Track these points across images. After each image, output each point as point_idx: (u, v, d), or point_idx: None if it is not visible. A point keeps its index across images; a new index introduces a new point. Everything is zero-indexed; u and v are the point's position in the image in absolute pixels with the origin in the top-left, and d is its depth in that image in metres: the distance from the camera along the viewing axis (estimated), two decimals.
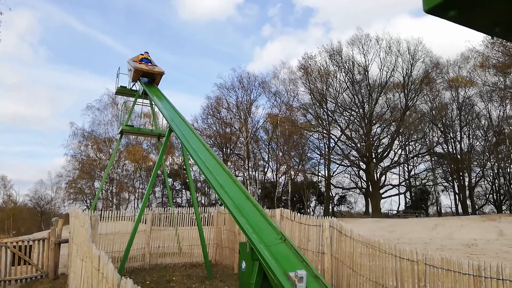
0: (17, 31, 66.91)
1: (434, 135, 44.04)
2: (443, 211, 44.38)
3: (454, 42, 55.53)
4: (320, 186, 47.80)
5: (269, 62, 79.46)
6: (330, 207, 45.36)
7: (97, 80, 74.77)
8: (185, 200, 50.31)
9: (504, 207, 39.97)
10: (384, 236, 16.60)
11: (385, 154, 42.69)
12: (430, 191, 45.48)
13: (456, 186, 42.51)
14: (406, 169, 45.88)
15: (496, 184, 40.83)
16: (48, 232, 10.78)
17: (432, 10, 0.68)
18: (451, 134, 42.31)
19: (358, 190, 47.14)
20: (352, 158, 43.89)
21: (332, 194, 46.88)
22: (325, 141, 45.04)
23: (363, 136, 42.06)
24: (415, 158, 44.79)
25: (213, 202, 45.60)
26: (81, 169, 44.54)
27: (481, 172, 41.42)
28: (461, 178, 41.40)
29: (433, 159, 44.08)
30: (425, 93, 41.47)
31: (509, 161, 38.51)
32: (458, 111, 41.20)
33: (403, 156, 44.57)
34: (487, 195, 42.70)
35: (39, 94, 73.11)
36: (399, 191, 44.91)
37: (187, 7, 78.40)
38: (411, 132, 42.69)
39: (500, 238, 19.43)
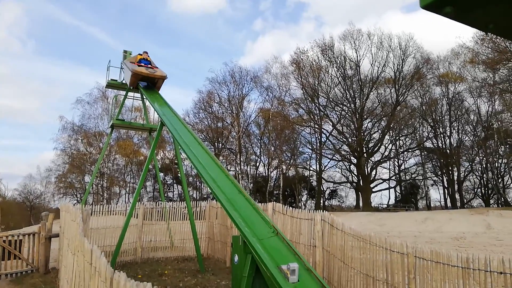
0: (4, 24, 65.64)
1: (424, 130, 44.57)
2: (432, 205, 45.06)
3: (445, 38, 56.03)
4: (311, 180, 48.09)
5: (261, 56, 79.36)
6: (321, 201, 45.70)
7: (87, 74, 73.76)
8: (176, 194, 50.23)
9: (492, 201, 40.70)
10: (374, 230, 16.78)
11: (375, 148, 43.08)
12: (420, 185, 46.09)
13: (445, 180, 43.14)
14: (396, 163, 46.42)
15: (484, 179, 41.52)
16: (38, 226, 10.69)
17: (428, 6, 0.69)
18: (440, 129, 42.81)
19: (349, 184, 47.59)
20: (343, 152, 44.19)
21: (323, 188, 47.23)
22: (316, 136, 45.28)
23: (354, 131, 42.33)
24: (405, 152, 45.29)
25: (205, 196, 45.58)
26: (71, 163, 44.11)
27: (469, 166, 42.09)
28: (450, 172, 41.99)
29: (423, 153, 44.62)
30: (416, 88, 41.85)
31: (497, 156, 39.13)
32: (448, 107, 41.68)
33: (394, 150, 45.04)
34: (476, 189, 43.45)
35: (28, 87, 71.94)
36: (389, 185, 45.45)
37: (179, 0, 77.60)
38: (402, 127, 43.10)
39: (487, 231, 19.80)
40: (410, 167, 45.88)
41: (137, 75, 11.72)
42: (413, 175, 45.94)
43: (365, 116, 42.24)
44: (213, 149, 44.74)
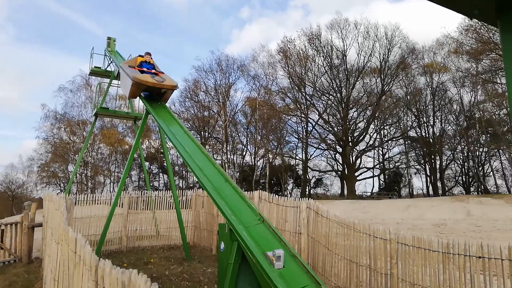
0: None
1: (408, 119, 45.22)
2: (415, 193, 45.98)
3: (431, 28, 56.44)
4: (297, 169, 48.45)
5: (248, 45, 78.63)
6: (307, 190, 46.16)
7: (69, 61, 72.16)
8: (162, 183, 49.96)
9: (472, 189, 41.80)
10: (358, 217, 17.07)
11: (361, 138, 43.58)
12: (403, 174, 46.93)
13: (427, 168, 44.04)
14: (381, 152, 47.11)
15: (466, 167, 42.54)
16: (21, 216, 10.51)
17: None
18: (424, 118, 43.52)
19: (334, 173, 48.14)
20: (329, 141, 44.58)
21: (309, 177, 47.70)
22: (303, 125, 45.49)
23: (340, 120, 42.67)
24: (389, 141, 45.96)
25: (191, 185, 45.50)
26: (54, 152, 43.36)
27: (451, 155, 43.01)
28: (433, 161, 42.87)
29: (406, 142, 45.36)
30: (401, 78, 42.31)
31: (478, 144, 40.06)
32: (431, 96, 42.31)
33: (378, 139, 45.62)
34: (457, 177, 44.52)
35: (6, 74, 69.91)
36: (373, 174, 46.20)
37: None
38: (386, 116, 43.62)
39: (467, 218, 20.37)
40: (394, 155, 46.72)
41: (140, 85, 9.03)
42: (396, 164, 46.76)
43: (351, 106, 42.57)
44: (199, 138, 44.53)
